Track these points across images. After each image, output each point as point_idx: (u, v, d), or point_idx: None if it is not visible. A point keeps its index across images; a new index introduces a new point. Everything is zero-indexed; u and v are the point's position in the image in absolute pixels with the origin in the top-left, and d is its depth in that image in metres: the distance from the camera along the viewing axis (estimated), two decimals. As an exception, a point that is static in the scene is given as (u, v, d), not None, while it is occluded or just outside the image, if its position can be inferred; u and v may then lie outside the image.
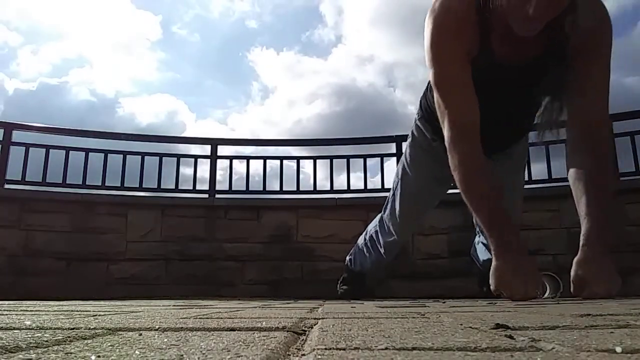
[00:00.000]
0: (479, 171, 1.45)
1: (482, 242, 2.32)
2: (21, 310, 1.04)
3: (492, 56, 1.45)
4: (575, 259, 1.41)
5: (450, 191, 4.28)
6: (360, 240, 2.56)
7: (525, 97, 1.56)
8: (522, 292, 1.31)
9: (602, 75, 1.46)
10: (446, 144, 1.49)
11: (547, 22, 1.29)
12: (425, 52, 1.46)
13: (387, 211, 2.26)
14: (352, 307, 1.25)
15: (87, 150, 4.29)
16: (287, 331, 0.54)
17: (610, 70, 1.47)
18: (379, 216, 2.39)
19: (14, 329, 0.58)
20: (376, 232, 2.39)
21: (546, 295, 3.84)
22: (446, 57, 1.44)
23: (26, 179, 4.13)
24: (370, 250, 2.46)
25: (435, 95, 1.49)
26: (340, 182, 4.47)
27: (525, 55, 1.45)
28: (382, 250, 2.39)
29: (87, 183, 4.27)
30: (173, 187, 4.41)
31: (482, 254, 2.37)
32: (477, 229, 2.27)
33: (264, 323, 0.64)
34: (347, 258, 2.67)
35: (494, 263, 1.37)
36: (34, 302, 1.75)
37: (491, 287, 1.38)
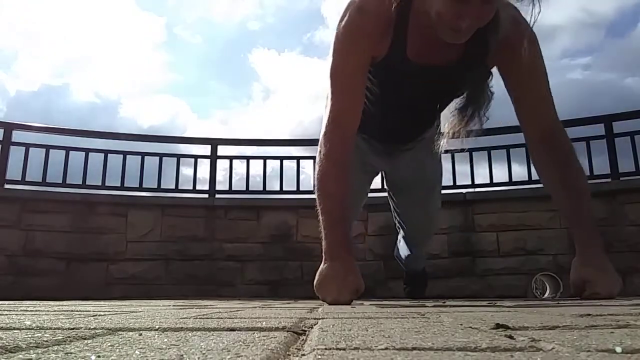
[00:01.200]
0: (339, 171, 1.47)
1: (402, 238, 2.37)
2: (21, 310, 1.04)
3: (405, 57, 1.47)
4: (575, 261, 1.43)
5: (450, 191, 4.31)
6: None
7: (436, 98, 1.59)
8: (334, 297, 1.35)
9: (538, 83, 1.51)
10: (321, 132, 1.52)
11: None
12: (333, 43, 1.49)
13: None
14: (352, 307, 1.25)
15: (87, 150, 4.29)
16: (287, 331, 0.54)
17: (547, 76, 1.52)
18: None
19: (14, 329, 0.58)
20: None
21: (546, 295, 3.85)
22: (348, 53, 1.47)
23: (26, 179, 4.13)
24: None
25: (328, 83, 1.51)
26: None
27: (442, 59, 1.47)
28: None
29: (87, 183, 4.28)
30: (173, 187, 4.42)
31: (403, 250, 2.41)
32: (397, 226, 2.31)
33: (264, 323, 0.64)
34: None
35: (321, 267, 1.42)
36: (34, 302, 1.75)
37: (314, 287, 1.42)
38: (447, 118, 1.54)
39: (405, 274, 2.68)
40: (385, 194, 4.55)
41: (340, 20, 1.46)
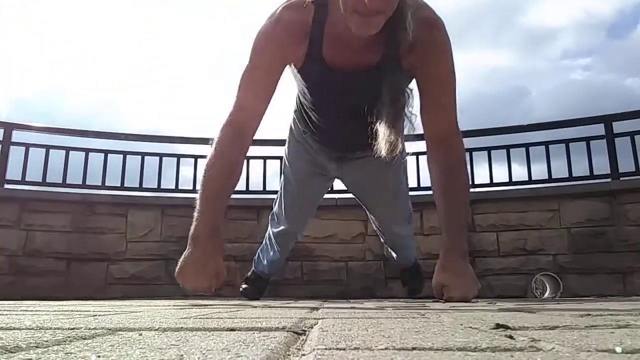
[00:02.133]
0: (230, 163, 1.51)
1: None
2: (21, 310, 1.04)
3: (323, 64, 1.50)
4: (436, 266, 1.50)
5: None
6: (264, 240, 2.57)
7: (362, 104, 1.60)
8: (192, 283, 1.37)
9: (444, 92, 1.54)
10: (219, 128, 1.55)
11: (381, 31, 1.34)
12: (251, 46, 1.53)
13: (276, 203, 2.32)
14: (352, 307, 1.25)
15: (87, 150, 4.29)
16: (287, 331, 0.54)
17: (455, 77, 1.54)
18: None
19: (14, 329, 0.58)
20: (270, 226, 2.44)
21: (546, 295, 3.85)
22: (257, 60, 1.51)
23: (26, 179, 4.13)
24: (268, 247, 2.49)
25: (238, 88, 1.55)
26: (340, 181, 4.47)
27: (361, 64, 1.49)
28: (275, 245, 2.42)
29: (87, 183, 4.27)
30: (173, 187, 4.41)
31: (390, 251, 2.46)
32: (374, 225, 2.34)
33: (264, 323, 0.64)
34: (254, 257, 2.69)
35: (185, 252, 1.41)
36: (34, 302, 1.75)
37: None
38: (378, 129, 1.54)
39: (401, 271, 2.68)
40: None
41: (263, 27, 1.51)
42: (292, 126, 2.07)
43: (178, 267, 1.40)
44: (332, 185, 4.34)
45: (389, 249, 2.48)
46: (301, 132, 1.96)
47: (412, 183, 4.38)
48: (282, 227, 2.31)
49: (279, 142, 4.77)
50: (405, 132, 1.53)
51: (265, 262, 2.49)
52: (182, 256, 1.40)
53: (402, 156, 1.62)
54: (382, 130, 1.48)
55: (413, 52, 1.44)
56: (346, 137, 1.73)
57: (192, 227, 1.42)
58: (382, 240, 2.45)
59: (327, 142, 1.88)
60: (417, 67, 1.49)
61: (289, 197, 2.22)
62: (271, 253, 2.46)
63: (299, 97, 1.84)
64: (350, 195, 4.37)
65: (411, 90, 1.55)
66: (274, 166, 4.50)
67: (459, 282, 1.43)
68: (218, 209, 1.48)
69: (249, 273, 2.64)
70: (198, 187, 1.52)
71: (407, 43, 1.40)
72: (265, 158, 4.53)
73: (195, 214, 1.44)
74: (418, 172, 4.38)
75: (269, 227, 2.43)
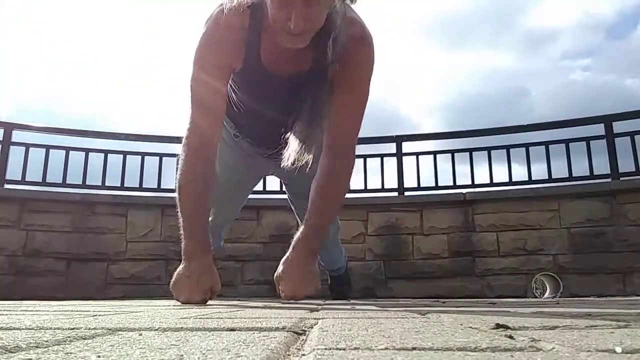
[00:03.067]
0: (200, 176, 1.53)
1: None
2: (21, 310, 1.04)
3: (260, 67, 1.52)
4: (283, 258, 1.52)
5: (450, 191, 4.31)
6: None
7: (293, 108, 1.62)
8: (186, 296, 1.43)
9: (353, 107, 1.57)
10: (182, 140, 1.58)
11: (313, 38, 1.37)
12: (193, 56, 1.54)
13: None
14: (352, 307, 1.25)
15: (87, 150, 4.29)
16: (287, 331, 0.54)
17: (367, 95, 1.57)
18: None
19: (14, 329, 0.58)
20: None
21: (546, 295, 3.85)
22: (203, 64, 1.52)
23: (26, 179, 4.13)
24: None
25: (190, 99, 1.57)
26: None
27: (293, 68, 1.52)
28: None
29: (87, 183, 4.27)
30: (173, 187, 4.40)
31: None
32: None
33: (264, 323, 0.64)
34: None
35: (179, 267, 1.49)
36: (34, 302, 1.75)
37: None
38: (290, 139, 1.57)
39: (329, 277, 2.67)
40: (385, 194, 4.55)
41: (201, 35, 1.52)
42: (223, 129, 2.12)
43: (173, 280, 1.47)
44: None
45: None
46: (232, 136, 1.98)
47: (412, 183, 4.39)
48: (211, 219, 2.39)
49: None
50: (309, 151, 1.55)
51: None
52: (177, 270, 1.48)
53: (308, 164, 1.61)
54: (293, 141, 1.53)
55: (338, 63, 1.48)
56: (274, 139, 1.72)
57: (183, 245, 1.50)
58: None
59: (258, 143, 1.88)
60: (335, 76, 1.51)
61: (217, 196, 2.25)
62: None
63: (229, 100, 1.86)
64: (350, 196, 4.39)
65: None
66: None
67: (295, 278, 1.46)
68: (203, 225, 1.53)
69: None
70: (176, 196, 1.56)
71: (334, 53, 1.44)
72: (265, 158, 4.52)
73: (182, 232, 1.51)
74: (418, 173, 4.39)
75: None
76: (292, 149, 1.54)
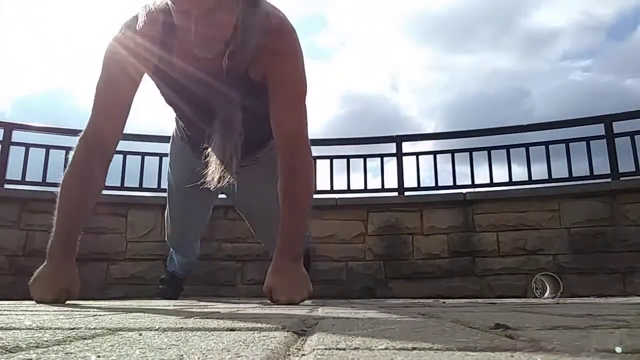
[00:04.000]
0: (81, 179, 1.54)
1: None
2: (21, 310, 1.04)
3: (174, 71, 1.52)
4: (268, 269, 1.50)
5: (450, 191, 4.31)
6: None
7: (210, 112, 1.59)
8: (39, 295, 1.45)
9: (289, 97, 1.54)
10: (76, 142, 1.59)
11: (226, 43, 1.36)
12: (101, 59, 1.54)
13: (166, 210, 2.31)
14: (352, 307, 1.25)
15: (87, 150, 4.28)
16: (287, 331, 0.54)
17: (304, 83, 1.55)
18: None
19: (14, 329, 0.58)
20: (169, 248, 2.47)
21: (546, 295, 3.85)
22: (108, 67, 1.52)
23: (26, 179, 4.13)
24: (174, 255, 2.53)
25: (93, 101, 1.57)
26: (340, 182, 4.47)
27: (209, 72, 1.50)
28: (178, 257, 2.48)
29: (87, 183, 4.26)
30: (173, 187, 4.41)
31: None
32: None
33: (264, 323, 0.64)
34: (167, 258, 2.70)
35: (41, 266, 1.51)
36: (34, 302, 1.75)
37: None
38: (210, 158, 1.54)
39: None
40: (385, 194, 4.54)
41: (112, 40, 1.51)
42: (173, 131, 2.10)
43: (32, 278, 1.49)
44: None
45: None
46: (179, 138, 1.99)
47: (412, 183, 4.39)
48: (169, 233, 2.35)
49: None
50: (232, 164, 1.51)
51: (177, 263, 2.53)
52: (37, 269, 1.51)
53: (229, 181, 1.56)
54: (213, 159, 1.51)
55: (260, 60, 1.46)
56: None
57: (49, 242, 1.53)
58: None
59: (197, 149, 1.80)
60: (265, 73, 1.50)
61: (172, 204, 2.22)
62: (179, 257, 2.51)
63: (166, 100, 1.83)
64: (350, 196, 4.40)
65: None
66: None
67: (286, 285, 1.44)
68: (73, 224, 1.55)
69: (163, 275, 2.66)
70: (58, 194, 1.56)
71: (251, 52, 1.42)
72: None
73: (53, 230, 1.53)
74: (418, 173, 4.39)
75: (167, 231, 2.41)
76: (214, 166, 1.51)
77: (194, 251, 2.52)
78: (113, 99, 1.54)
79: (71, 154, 1.56)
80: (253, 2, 1.38)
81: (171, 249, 2.53)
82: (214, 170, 1.51)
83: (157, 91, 1.64)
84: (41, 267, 1.50)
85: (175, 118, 1.95)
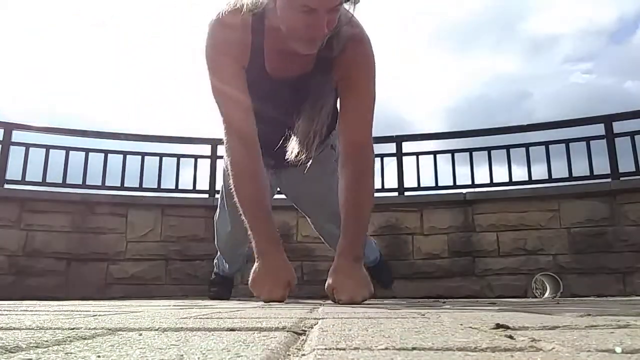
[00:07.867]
0: (252, 175, 1.55)
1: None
2: (21, 310, 1.04)
3: (264, 71, 1.55)
4: (330, 269, 1.53)
5: (450, 191, 4.31)
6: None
7: (293, 109, 1.63)
8: (267, 293, 1.47)
9: (363, 105, 1.59)
10: (224, 147, 1.60)
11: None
12: (204, 63, 1.56)
13: (216, 217, 2.28)
14: (352, 307, 1.25)
15: (87, 150, 4.29)
16: (287, 331, 0.54)
17: (374, 93, 1.59)
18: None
19: (14, 329, 0.58)
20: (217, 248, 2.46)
21: (546, 295, 3.85)
22: (220, 65, 1.54)
23: (26, 179, 4.13)
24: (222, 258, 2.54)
25: (217, 104, 1.59)
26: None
27: (297, 71, 1.55)
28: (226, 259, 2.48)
29: (87, 183, 4.27)
30: (173, 187, 4.41)
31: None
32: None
33: (264, 323, 0.64)
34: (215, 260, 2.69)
35: (254, 265, 1.51)
36: (34, 302, 1.75)
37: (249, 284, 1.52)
38: (292, 135, 1.57)
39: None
40: (385, 194, 4.54)
41: (206, 38, 1.53)
42: None
43: (251, 279, 1.50)
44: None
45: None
46: None
47: (412, 183, 4.39)
48: (226, 258, 2.39)
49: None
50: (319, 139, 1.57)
51: (227, 263, 2.52)
52: (253, 269, 1.51)
53: (334, 156, 1.63)
54: (295, 139, 1.55)
55: (340, 65, 1.51)
56: (277, 143, 1.72)
57: (254, 243, 1.52)
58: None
59: (266, 151, 1.81)
60: (341, 79, 1.55)
61: (233, 215, 2.12)
62: (228, 260, 2.50)
63: None
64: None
65: (335, 99, 1.62)
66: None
67: (349, 284, 1.46)
68: (267, 221, 1.55)
69: (213, 276, 2.65)
70: (236, 200, 1.56)
71: (337, 54, 1.48)
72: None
73: (251, 229, 1.53)
74: (418, 173, 4.39)
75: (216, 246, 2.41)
76: (295, 143, 1.55)
77: (243, 254, 2.48)
78: (235, 94, 1.55)
79: (226, 161, 1.58)
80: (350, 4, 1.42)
81: (219, 253, 2.53)
82: (295, 146, 1.55)
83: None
84: (256, 266, 1.51)
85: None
